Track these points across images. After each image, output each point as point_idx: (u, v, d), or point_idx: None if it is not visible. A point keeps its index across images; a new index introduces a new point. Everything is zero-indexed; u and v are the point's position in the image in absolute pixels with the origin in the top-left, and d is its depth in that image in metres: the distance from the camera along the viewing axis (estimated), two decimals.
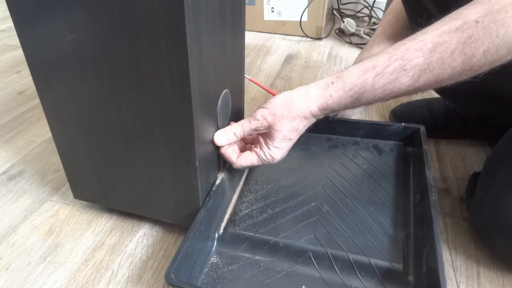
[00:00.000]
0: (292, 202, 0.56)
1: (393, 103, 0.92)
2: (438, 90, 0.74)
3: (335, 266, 0.48)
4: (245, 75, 0.72)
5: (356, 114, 0.73)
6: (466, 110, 0.75)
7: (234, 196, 0.58)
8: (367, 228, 0.51)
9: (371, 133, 0.67)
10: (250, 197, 0.57)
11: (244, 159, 0.52)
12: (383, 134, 0.67)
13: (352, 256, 0.48)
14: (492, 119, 0.72)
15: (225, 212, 0.55)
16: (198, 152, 0.46)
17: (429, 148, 0.77)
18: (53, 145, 0.74)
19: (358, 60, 0.69)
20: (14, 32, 1.30)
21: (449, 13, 0.41)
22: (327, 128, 0.69)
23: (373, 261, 0.47)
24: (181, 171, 0.48)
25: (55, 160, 0.71)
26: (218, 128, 0.52)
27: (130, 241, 0.55)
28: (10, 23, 1.43)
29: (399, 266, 0.47)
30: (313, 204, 0.55)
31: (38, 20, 0.41)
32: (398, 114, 0.84)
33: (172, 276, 0.40)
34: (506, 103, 0.63)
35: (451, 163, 0.73)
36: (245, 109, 0.69)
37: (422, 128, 0.64)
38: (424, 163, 0.56)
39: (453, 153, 0.76)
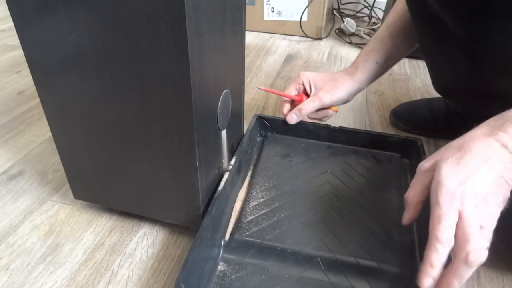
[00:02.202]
0: (297, 208, 0.56)
1: (393, 103, 0.92)
2: (438, 89, 0.74)
3: (344, 272, 0.48)
4: (259, 86, 0.72)
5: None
6: (467, 109, 0.75)
7: (237, 203, 0.57)
8: (374, 234, 0.51)
9: (370, 143, 0.68)
10: (254, 203, 0.56)
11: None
12: (382, 145, 0.68)
13: (361, 261, 0.47)
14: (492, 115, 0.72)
15: (229, 219, 0.54)
16: (198, 152, 0.46)
17: (429, 148, 0.77)
18: (53, 145, 0.74)
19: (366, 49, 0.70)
20: (14, 32, 1.30)
21: None
22: (328, 136, 0.69)
23: (382, 266, 0.47)
24: (181, 171, 0.48)
25: (55, 160, 0.71)
26: (218, 129, 0.52)
27: (130, 241, 0.55)
28: (10, 23, 1.43)
29: (407, 270, 0.47)
30: (318, 210, 0.55)
31: (39, 20, 0.41)
32: (398, 114, 0.84)
33: (182, 286, 0.40)
34: (506, 102, 0.63)
35: None
36: (245, 109, 0.69)
37: (420, 141, 0.65)
38: None
39: None
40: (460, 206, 0.37)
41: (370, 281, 0.47)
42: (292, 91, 0.70)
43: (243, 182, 0.61)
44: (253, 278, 0.47)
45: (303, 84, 0.70)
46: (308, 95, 0.69)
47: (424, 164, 0.42)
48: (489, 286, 0.50)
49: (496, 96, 0.64)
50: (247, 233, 0.51)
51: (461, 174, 0.38)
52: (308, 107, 0.66)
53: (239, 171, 0.60)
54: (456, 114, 0.77)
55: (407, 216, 0.45)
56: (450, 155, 0.39)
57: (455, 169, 0.38)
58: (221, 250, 0.51)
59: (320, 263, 0.48)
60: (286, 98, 0.71)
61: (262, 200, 0.57)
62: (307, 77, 0.69)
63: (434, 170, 0.40)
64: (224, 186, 0.53)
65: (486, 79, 0.60)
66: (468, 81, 0.64)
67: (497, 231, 0.44)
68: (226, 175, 0.55)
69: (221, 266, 0.49)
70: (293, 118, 0.67)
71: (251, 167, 0.65)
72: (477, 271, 0.52)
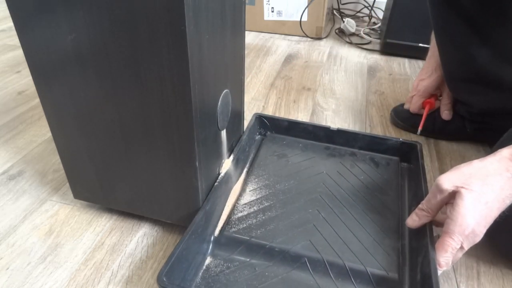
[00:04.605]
0: (289, 207, 0.56)
1: (393, 103, 0.92)
2: (447, 75, 0.74)
3: (331, 273, 0.48)
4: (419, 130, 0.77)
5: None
6: (468, 109, 0.75)
7: (230, 199, 0.58)
8: (363, 237, 0.51)
9: (368, 146, 0.68)
10: (246, 200, 0.57)
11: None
12: (381, 148, 0.68)
13: (348, 264, 0.48)
14: (492, 114, 0.73)
15: (221, 215, 0.55)
16: (198, 152, 0.46)
17: (429, 149, 0.77)
18: (53, 145, 0.74)
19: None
20: (14, 32, 1.30)
21: None
22: (326, 137, 0.69)
23: (369, 269, 0.47)
24: (181, 171, 0.48)
25: (55, 160, 0.71)
26: (218, 129, 0.52)
27: (130, 241, 0.55)
28: (10, 23, 1.43)
29: (394, 275, 0.47)
30: (310, 210, 0.55)
31: (38, 20, 0.41)
32: (399, 112, 0.84)
33: (164, 279, 0.40)
34: (506, 94, 0.64)
35: (451, 163, 0.73)
36: (245, 109, 0.69)
37: (420, 145, 0.65)
38: (421, 177, 0.57)
39: (453, 153, 0.76)
40: (465, 243, 0.44)
41: (356, 284, 0.47)
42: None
43: (238, 179, 0.61)
44: (240, 275, 0.47)
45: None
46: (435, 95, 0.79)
47: (445, 184, 0.44)
48: (489, 286, 0.50)
49: (495, 88, 0.65)
50: (237, 230, 0.52)
51: (481, 213, 0.43)
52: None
53: (235, 168, 0.60)
54: (455, 114, 0.77)
55: (417, 223, 0.49)
56: (474, 188, 0.43)
57: (476, 206, 0.43)
58: (210, 245, 0.51)
59: (307, 263, 0.48)
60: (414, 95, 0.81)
61: (254, 198, 0.57)
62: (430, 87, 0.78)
63: (454, 194, 0.44)
64: (219, 183, 0.54)
65: (491, 65, 0.62)
66: (474, 67, 0.65)
67: (500, 230, 0.45)
68: (223, 171, 0.55)
69: (208, 261, 0.49)
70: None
71: (248, 165, 0.65)
72: (477, 271, 0.52)
